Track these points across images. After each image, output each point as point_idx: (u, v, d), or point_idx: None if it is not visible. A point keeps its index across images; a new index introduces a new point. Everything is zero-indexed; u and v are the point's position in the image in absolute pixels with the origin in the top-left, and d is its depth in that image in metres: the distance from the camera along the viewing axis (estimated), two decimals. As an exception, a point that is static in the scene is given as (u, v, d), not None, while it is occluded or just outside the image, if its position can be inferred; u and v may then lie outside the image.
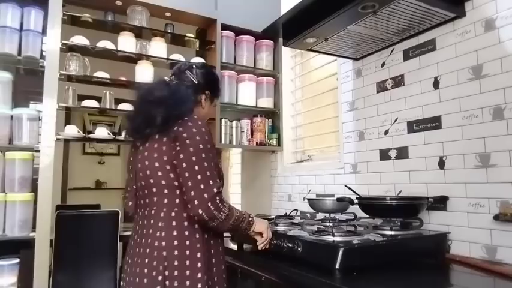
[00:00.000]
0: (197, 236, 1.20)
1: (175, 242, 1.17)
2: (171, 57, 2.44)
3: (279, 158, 2.75)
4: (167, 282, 1.13)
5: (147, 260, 1.16)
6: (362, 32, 1.70)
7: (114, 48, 2.25)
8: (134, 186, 1.30)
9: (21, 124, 1.85)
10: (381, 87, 1.92)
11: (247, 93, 2.66)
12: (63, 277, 2.20)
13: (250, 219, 1.32)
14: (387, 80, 1.89)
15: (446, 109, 1.59)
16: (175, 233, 1.18)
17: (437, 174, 1.60)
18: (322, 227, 1.53)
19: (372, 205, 1.63)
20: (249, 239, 1.44)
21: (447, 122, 1.58)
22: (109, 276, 2.30)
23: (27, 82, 2.19)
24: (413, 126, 1.73)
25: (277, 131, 2.73)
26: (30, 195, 1.84)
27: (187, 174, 1.17)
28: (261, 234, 1.39)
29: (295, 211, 2.19)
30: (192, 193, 1.16)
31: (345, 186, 1.82)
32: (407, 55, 1.79)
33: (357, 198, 1.66)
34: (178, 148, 1.18)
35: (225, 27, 2.57)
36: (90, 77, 2.20)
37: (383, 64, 1.92)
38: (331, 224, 1.51)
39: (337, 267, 1.19)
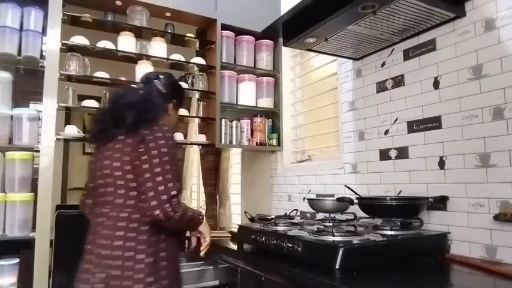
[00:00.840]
0: (144, 237, 1.21)
1: (120, 242, 1.19)
2: (171, 57, 2.44)
3: (279, 158, 2.75)
4: (108, 281, 1.16)
5: (93, 257, 1.21)
6: (362, 32, 1.70)
7: (114, 48, 2.25)
8: (92, 185, 1.34)
9: (21, 124, 1.85)
10: (381, 87, 1.92)
11: (247, 93, 2.66)
12: (63, 277, 2.19)
13: (200, 217, 1.38)
14: (387, 80, 1.89)
15: (446, 109, 1.59)
16: (122, 233, 1.20)
17: (437, 174, 1.60)
18: (322, 227, 1.53)
19: (372, 205, 1.63)
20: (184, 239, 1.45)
21: (447, 122, 1.58)
22: (109, 276, 2.30)
23: (27, 82, 2.19)
24: (413, 126, 1.73)
25: (277, 131, 2.73)
26: (30, 195, 1.84)
27: (147, 175, 1.20)
28: (202, 235, 1.43)
29: (295, 211, 2.19)
30: (151, 194, 1.18)
31: (345, 186, 1.82)
32: (407, 55, 1.79)
33: (357, 198, 1.66)
34: (141, 150, 1.22)
35: (225, 27, 2.57)
36: (90, 77, 2.20)
37: (383, 64, 1.92)
38: (331, 224, 1.51)
39: (337, 267, 1.19)
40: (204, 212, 2.85)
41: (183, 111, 2.50)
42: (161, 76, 1.47)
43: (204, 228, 1.41)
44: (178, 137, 2.47)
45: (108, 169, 1.26)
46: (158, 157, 1.21)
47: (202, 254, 1.43)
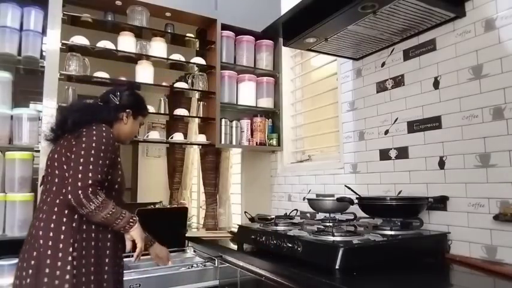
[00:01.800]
0: (74, 224, 1.32)
1: (52, 225, 1.31)
2: (171, 57, 2.44)
3: (279, 158, 2.75)
4: (41, 259, 1.27)
5: (29, 238, 1.34)
6: (362, 32, 1.70)
7: (114, 48, 2.25)
8: (43, 175, 1.47)
9: (21, 124, 1.85)
10: (381, 87, 1.92)
11: (247, 93, 2.67)
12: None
13: (131, 221, 1.40)
14: (387, 80, 1.89)
15: (446, 109, 1.59)
16: (54, 217, 1.32)
17: (437, 174, 1.60)
18: (322, 227, 1.53)
19: (372, 205, 1.63)
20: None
21: (447, 122, 1.58)
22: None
23: (27, 82, 2.19)
24: (413, 126, 1.73)
25: (277, 131, 2.74)
26: (30, 195, 1.84)
27: (72, 164, 1.32)
28: (134, 241, 1.45)
29: (295, 211, 2.19)
30: (69, 180, 1.30)
31: (345, 186, 1.82)
32: (407, 55, 1.79)
33: (357, 198, 1.66)
34: (74, 142, 1.36)
35: (225, 27, 2.58)
36: (90, 77, 2.20)
37: (383, 64, 1.92)
38: (331, 224, 1.51)
39: (337, 267, 1.20)
40: (203, 212, 2.85)
41: (183, 112, 2.50)
42: (118, 91, 1.58)
43: (135, 233, 1.43)
44: (178, 137, 2.47)
45: (50, 161, 1.41)
46: (85, 150, 1.33)
47: (133, 259, 1.48)
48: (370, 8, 1.46)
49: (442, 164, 1.59)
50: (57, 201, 1.34)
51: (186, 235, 2.33)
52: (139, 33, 2.39)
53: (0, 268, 1.72)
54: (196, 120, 2.69)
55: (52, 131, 1.49)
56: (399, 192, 1.76)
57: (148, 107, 2.39)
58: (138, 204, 3.37)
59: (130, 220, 1.40)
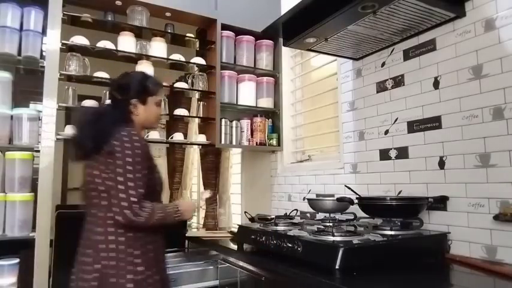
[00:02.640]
0: (130, 234, 1.36)
1: (110, 237, 1.35)
2: (171, 57, 2.44)
3: (279, 158, 2.75)
4: (104, 271, 1.31)
5: (87, 251, 1.36)
6: (362, 32, 1.70)
7: (114, 48, 2.25)
8: (83, 188, 1.48)
9: (21, 124, 1.85)
10: (381, 87, 1.92)
11: (247, 93, 2.66)
12: (63, 277, 2.19)
13: (176, 215, 1.46)
14: (387, 80, 1.89)
15: (446, 109, 1.59)
16: (110, 229, 1.35)
17: (437, 174, 1.60)
18: (322, 227, 1.53)
19: (372, 205, 1.63)
20: None
21: (447, 122, 1.58)
22: (109, 276, 2.30)
23: (27, 82, 2.19)
24: (413, 126, 1.73)
25: (277, 131, 2.73)
26: (30, 195, 1.84)
27: (112, 184, 1.34)
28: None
29: (295, 211, 2.20)
30: (114, 201, 1.33)
31: (345, 186, 1.82)
32: (407, 55, 1.79)
33: (357, 198, 1.66)
34: (110, 160, 1.35)
35: (225, 27, 2.57)
36: (90, 77, 2.20)
37: (383, 64, 1.92)
38: (331, 224, 1.51)
39: (337, 267, 1.19)
40: (203, 212, 2.85)
41: (183, 112, 2.50)
42: (117, 84, 1.54)
43: (186, 216, 1.51)
44: (178, 136, 2.47)
45: (90, 177, 1.40)
46: (121, 167, 1.33)
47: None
48: (370, 8, 1.46)
49: (442, 164, 1.59)
50: (109, 214, 1.36)
51: (186, 235, 2.33)
52: (139, 33, 2.38)
53: (0, 268, 1.72)
54: (196, 120, 2.69)
55: (75, 153, 1.48)
56: (399, 192, 1.76)
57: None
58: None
59: (175, 215, 1.45)
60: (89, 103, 2.21)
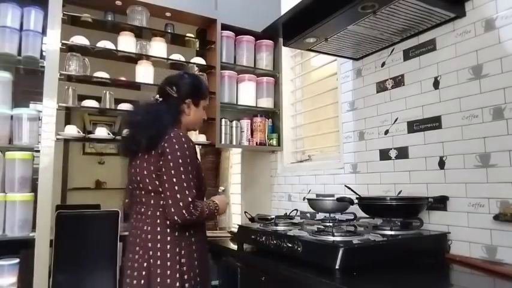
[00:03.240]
0: (177, 233, 1.40)
1: (159, 237, 1.38)
2: (171, 57, 2.44)
3: (279, 158, 2.75)
4: (151, 269, 1.35)
5: (137, 248, 1.40)
6: (362, 32, 1.70)
7: (114, 48, 2.25)
8: (130, 187, 1.53)
9: (21, 124, 1.85)
10: (381, 87, 1.92)
11: (247, 93, 2.66)
12: (63, 277, 2.19)
13: (215, 211, 1.50)
14: (387, 80, 1.89)
15: (446, 109, 1.59)
16: (159, 229, 1.39)
17: (437, 174, 1.60)
18: (322, 227, 1.53)
19: (372, 205, 1.63)
20: None
21: (447, 122, 1.58)
22: (109, 276, 2.30)
23: (27, 82, 2.19)
24: (413, 126, 1.73)
25: (277, 131, 2.73)
26: (30, 195, 1.84)
27: (166, 185, 1.36)
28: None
29: (295, 211, 2.20)
30: (170, 201, 1.35)
31: (345, 186, 1.82)
32: (407, 55, 1.79)
33: (357, 198, 1.66)
34: (161, 162, 1.39)
35: (225, 27, 2.57)
36: (90, 77, 2.20)
37: (383, 64, 1.92)
38: (331, 224, 1.51)
39: (337, 267, 1.19)
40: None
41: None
42: (172, 81, 1.57)
43: (222, 211, 1.57)
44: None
45: (139, 176, 1.45)
46: (174, 168, 1.37)
47: None
48: (370, 8, 1.46)
49: (442, 164, 1.59)
50: (158, 213, 1.40)
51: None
52: (140, 33, 2.38)
53: (0, 268, 1.72)
54: (197, 120, 2.68)
55: (126, 148, 1.52)
56: (399, 192, 1.76)
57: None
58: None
59: (215, 211, 1.49)
60: (89, 103, 2.21)
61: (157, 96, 1.57)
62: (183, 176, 1.37)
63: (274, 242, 1.52)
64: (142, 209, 1.45)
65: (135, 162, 1.47)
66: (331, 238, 1.34)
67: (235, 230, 2.07)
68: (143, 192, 1.44)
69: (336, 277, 1.17)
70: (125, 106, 2.25)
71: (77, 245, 2.25)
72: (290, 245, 1.42)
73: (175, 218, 1.33)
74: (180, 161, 1.38)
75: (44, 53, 1.93)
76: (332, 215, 1.76)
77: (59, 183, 4.18)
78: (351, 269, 1.20)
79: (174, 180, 1.35)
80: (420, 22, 1.61)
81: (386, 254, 1.34)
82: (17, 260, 1.77)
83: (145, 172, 1.42)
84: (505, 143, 1.36)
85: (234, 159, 3.10)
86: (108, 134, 2.28)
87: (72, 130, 2.16)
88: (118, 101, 2.34)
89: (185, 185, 1.36)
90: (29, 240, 1.78)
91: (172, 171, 1.36)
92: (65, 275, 2.21)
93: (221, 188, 2.52)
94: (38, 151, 1.86)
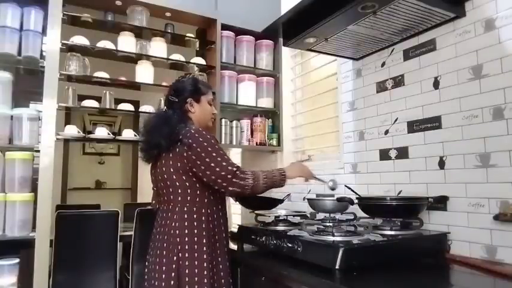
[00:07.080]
0: (203, 226, 1.47)
1: (186, 231, 1.45)
2: (171, 57, 2.44)
3: (279, 158, 2.75)
4: (180, 262, 1.41)
5: (165, 244, 1.46)
6: (362, 32, 1.70)
7: (114, 48, 2.25)
8: (155, 188, 1.63)
9: (21, 124, 1.85)
10: (381, 87, 1.92)
11: (247, 93, 2.67)
12: (63, 277, 2.20)
13: (281, 176, 1.53)
14: (387, 80, 1.89)
15: (446, 109, 1.59)
16: (186, 223, 1.46)
17: (437, 174, 1.60)
18: (322, 227, 1.53)
19: (372, 205, 1.63)
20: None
21: (447, 122, 1.58)
22: (109, 276, 2.30)
23: (27, 82, 2.19)
24: (413, 126, 1.73)
25: (277, 131, 2.74)
26: (30, 195, 1.84)
27: (203, 167, 1.42)
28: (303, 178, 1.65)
29: (295, 211, 2.19)
30: (215, 178, 1.41)
31: (345, 186, 1.82)
32: (407, 55, 1.79)
33: (357, 198, 1.66)
34: (189, 153, 1.44)
35: (225, 27, 2.58)
36: (90, 77, 2.20)
37: (383, 64, 1.92)
38: (331, 224, 1.51)
39: (337, 267, 1.19)
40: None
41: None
42: (173, 89, 1.66)
43: (293, 174, 1.59)
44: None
45: (165, 174, 1.51)
46: (203, 151, 1.43)
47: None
48: (370, 8, 1.46)
49: (442, 164, 1.59)
50: (185, 208, 1.47)
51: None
52: (140, 33, 2.39)
53: (0, 268, 1.72)
54: (197, 120, 2.68)
55: (148, 154, 1.58)
56: (399, 192, 1.76)
57: (149, 107, 2.41)
58: (138, 204, 3.37)
59: (281, 176, 1.53)
60: (89, 103, 2.21)
61: (165, 108, 1.70)
62: (213, 153, 1.43)
63: (274, 242, 1.52)
64: (170, 207, 1.51)
65: (160, 163, 1.53)
66: (331, 238, 1.34)
67: (235, 230, 2.07)
68: (170, 189, 1.50)
69: (336, 277, 1.17)
70: (125, 106, 2.26)
71: (77, 245, 2.25)
72: (290, 245, 1.42)
73: (231, 188, 1.40)
74: (209, 147, 1.44)
75: (44, 53, 1.93)
76: (332, 215, 1.75)
77: (59, 183, 4.18)
78: (351, 269, 1.20)
79: (207, 160, 1.41)
80: (420, 22, 1.61)
81: (386, 254, 1.34)
82: (17, 260, 1.77)
83: (171, 170, 1.48)
84: (505, 143, 1.36)
85: (234, 159, 3.10)
86: (108, 134, 2.29)
87: (72, 130, 2.16)
88: (118, 101, 2.35)
89: (219, 159, 1.43)
90: (29, 240, 1.78)
91: (203, 154, 1.42)
92: (65, 275, 2.21)
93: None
94: (38, 151, 1.86)
